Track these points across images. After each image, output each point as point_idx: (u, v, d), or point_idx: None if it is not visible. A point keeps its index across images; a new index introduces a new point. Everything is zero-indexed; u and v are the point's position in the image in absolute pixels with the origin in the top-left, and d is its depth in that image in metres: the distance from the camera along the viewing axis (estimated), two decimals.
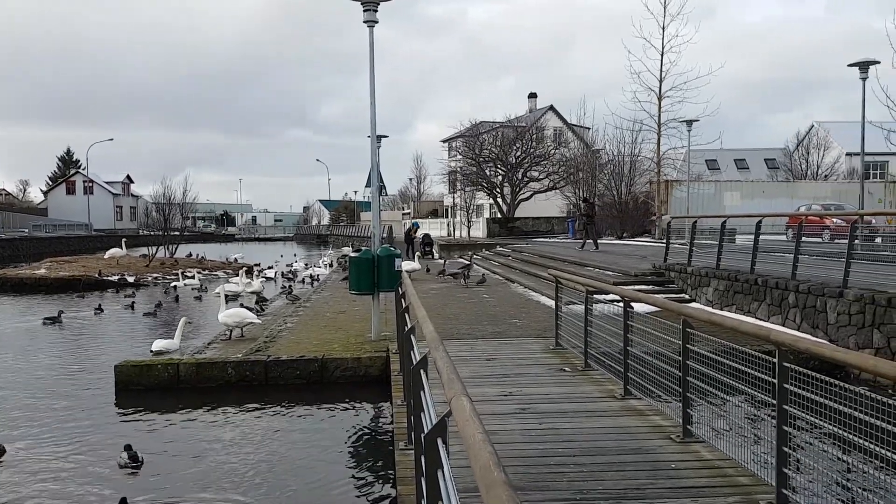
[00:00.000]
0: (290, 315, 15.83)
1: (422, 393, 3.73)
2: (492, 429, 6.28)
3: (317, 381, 10.56)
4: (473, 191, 52.01)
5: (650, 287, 16.04)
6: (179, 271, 30.21)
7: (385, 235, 35.65)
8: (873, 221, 17.67)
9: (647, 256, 19.84)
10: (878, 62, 19.82)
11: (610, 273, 17.72)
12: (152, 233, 44.28)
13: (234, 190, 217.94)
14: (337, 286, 21.61)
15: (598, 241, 26.05)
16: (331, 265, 34.08)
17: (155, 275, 31.38)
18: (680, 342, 5.97)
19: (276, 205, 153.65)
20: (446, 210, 65.07)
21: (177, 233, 41.06)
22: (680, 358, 6.00)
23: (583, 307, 8.89)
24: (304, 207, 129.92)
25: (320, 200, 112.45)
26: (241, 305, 15.80)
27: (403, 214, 75.76)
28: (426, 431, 2.77)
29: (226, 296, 15.02)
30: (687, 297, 15.50)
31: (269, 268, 32.75)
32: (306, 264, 36.40)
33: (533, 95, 61.71)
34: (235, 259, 40.61)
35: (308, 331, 13.37)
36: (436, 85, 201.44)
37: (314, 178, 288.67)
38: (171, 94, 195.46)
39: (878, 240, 14.97)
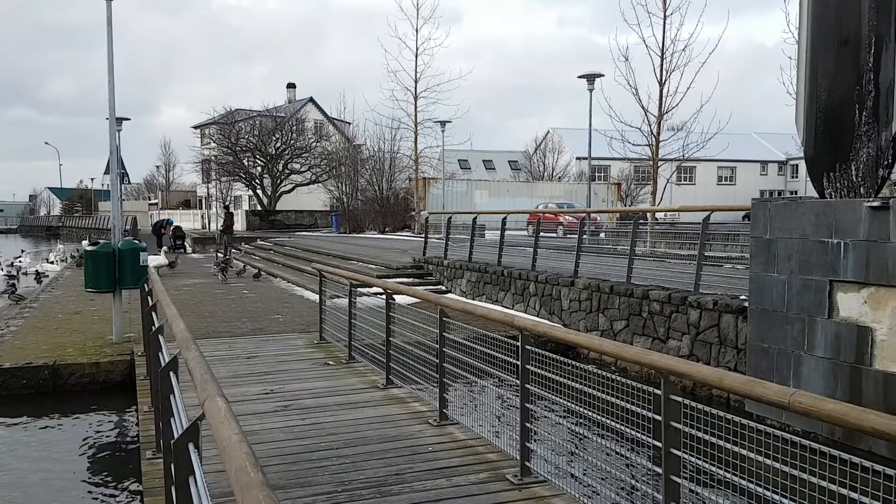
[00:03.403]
0: (13, 317, 13.85)
1: (171, 397, 3.48)
2: (252, 428, 6.10)
3: (48, 390, 9.40)
4: (230, 181, 49.80)
5: (411, 279, 16.63)
6: None
7: (129, 227, 32.76)
8: (598, 219, 20.08)
9: (408, 250, 20.53)
10: (603, 75, 22.24)
11: (373, 266, 18.07)
12: None
13: None
14: (71, 284, 19.37)
15: (231, 249, 26.94)
16: (64, 260, 30.46)
17: None
18: (437, 331, 6.26)
19: None
20: (200, 201, 61.46)
21: None
22: (438, 346, 6.30)
23: (347, 300, 8.96)
24: (31, 196, 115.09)
25: (50, 188, 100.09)
26: None
27: (150, 205, 70.19)
28: (176, 437, 2.57)
29: None
30: (444, 288, 16.32)
31: None
32: (30, 259, 32.02)
33: (292, 86, 60.61)
34: None
35: (37, 334, 11.81)
36: (181, 66, 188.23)
37: (42, 164, 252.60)
38: None
39: (603, 235, 17.06)
